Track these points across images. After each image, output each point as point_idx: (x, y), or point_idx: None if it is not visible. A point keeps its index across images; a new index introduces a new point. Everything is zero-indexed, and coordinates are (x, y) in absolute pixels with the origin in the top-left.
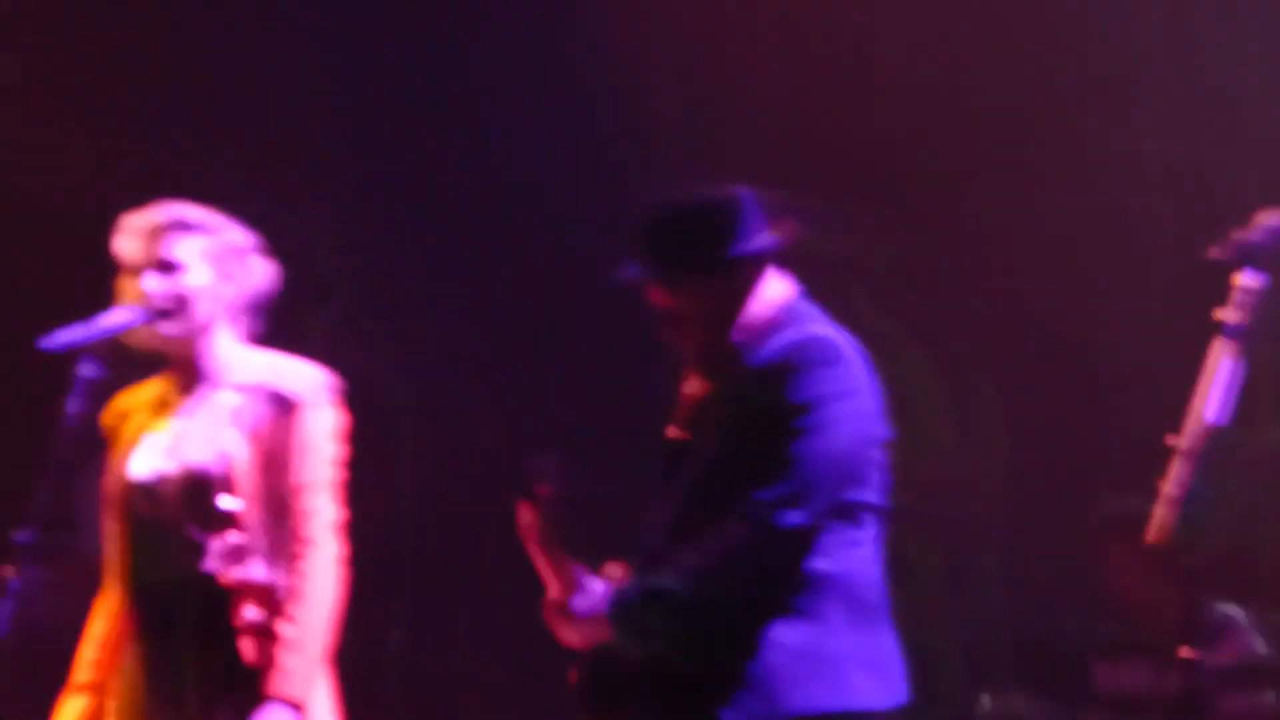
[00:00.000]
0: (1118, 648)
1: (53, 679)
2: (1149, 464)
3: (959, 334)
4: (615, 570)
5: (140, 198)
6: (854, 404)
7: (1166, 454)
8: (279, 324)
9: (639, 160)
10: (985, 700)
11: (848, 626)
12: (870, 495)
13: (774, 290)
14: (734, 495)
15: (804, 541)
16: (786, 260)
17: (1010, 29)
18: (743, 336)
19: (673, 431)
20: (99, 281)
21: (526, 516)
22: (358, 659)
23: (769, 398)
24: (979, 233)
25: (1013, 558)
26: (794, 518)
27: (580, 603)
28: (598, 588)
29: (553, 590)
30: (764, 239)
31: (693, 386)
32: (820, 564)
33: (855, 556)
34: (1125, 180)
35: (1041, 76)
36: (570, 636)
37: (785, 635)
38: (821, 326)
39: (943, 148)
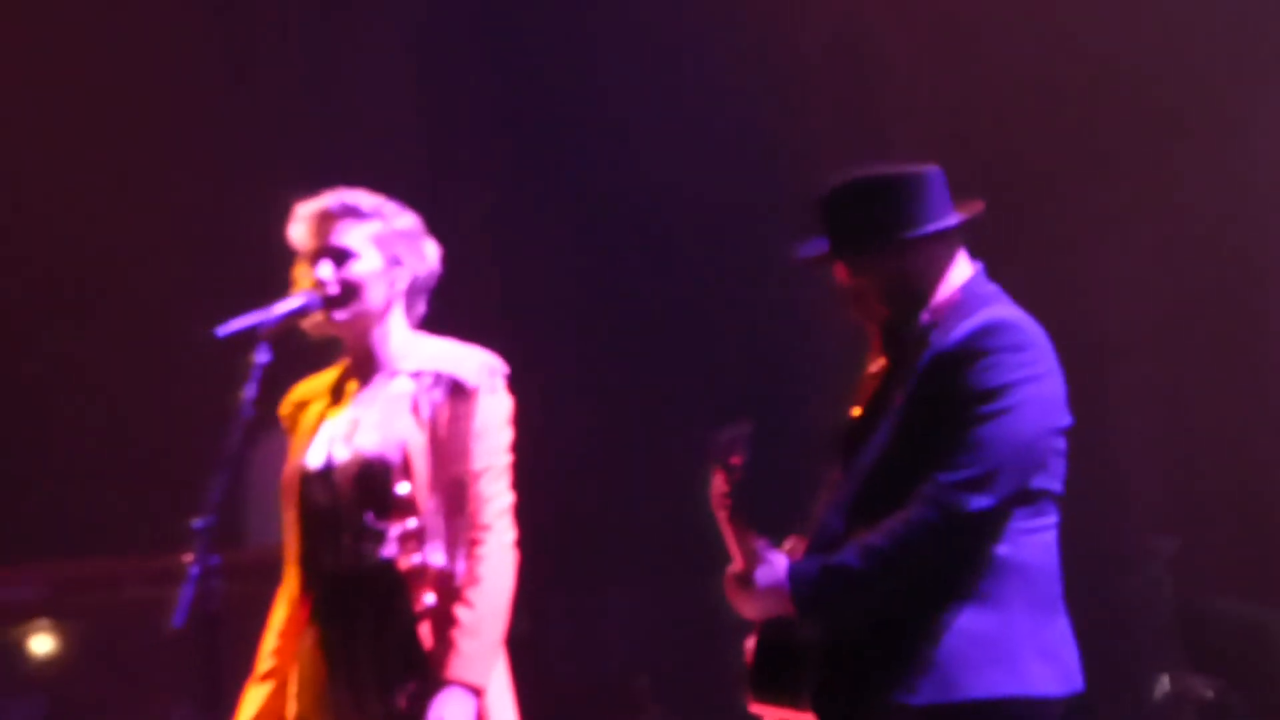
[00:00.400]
0: None
1: (233, 667)
2: None
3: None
4: (794, 546)
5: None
6: (1042, 389)
7: None
8: (441, 307)
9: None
10: (1164, 681)
11: (1027, 614)
12: (1053, 483)
13: (960, 270)
14: (919, 476)
15: (988, 526)
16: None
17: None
18: (929, 317)
19: (855, 410)
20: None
21: (720, 485)
22: (526, 643)
23: (959, 380)
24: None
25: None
26: (980, 501)
27: (763, 575)
28: (780, 561)
29: (735, 562)
30: (950, 217)
31: (875, 366)
32: (1002, 550)
33: (1036, 543)
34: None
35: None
36: (749, 610)
37: (965, 620)
38: (1008, 309)
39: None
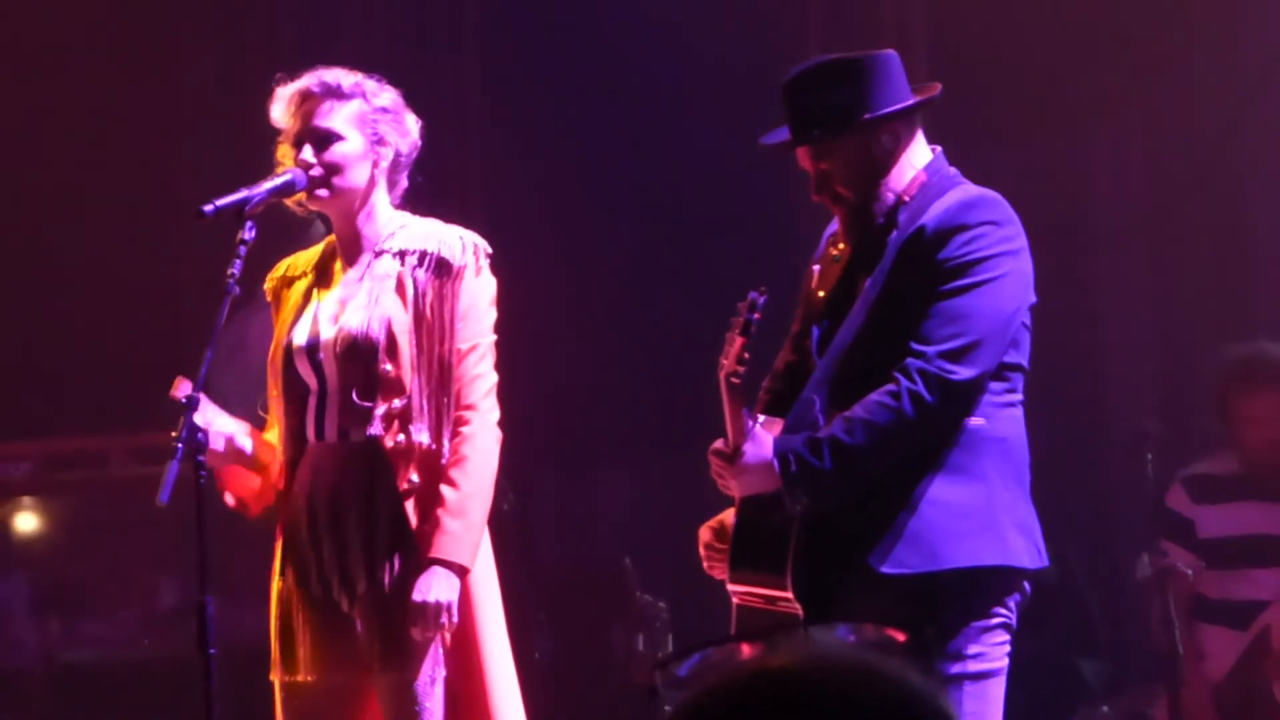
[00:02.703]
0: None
1: (220, 543)
2: None
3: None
4: (766, 423)
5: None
6: (1019, 263)
7: None
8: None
9: None
10: (1145, 560)
11: (1003, 487)
12: (1022, 358)
13: (920, 152)
14: (899, 350)
15: (971, 397)
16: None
17: None
18: (893, 198)
19: (817, 291)
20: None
21: (736, 350)
22: (511, 522)
23: (942, 253)
24: None
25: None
26: (965, 372)
27: (750, 451)
28: (766, 438)
29: (724, 438)
30: (908, 98)
31: (835, 249)
32: (977, 423)
33: (1009, 417)
34: None
35: None
36: (735, 486)
37: (945, 492)
38: (980, 187)
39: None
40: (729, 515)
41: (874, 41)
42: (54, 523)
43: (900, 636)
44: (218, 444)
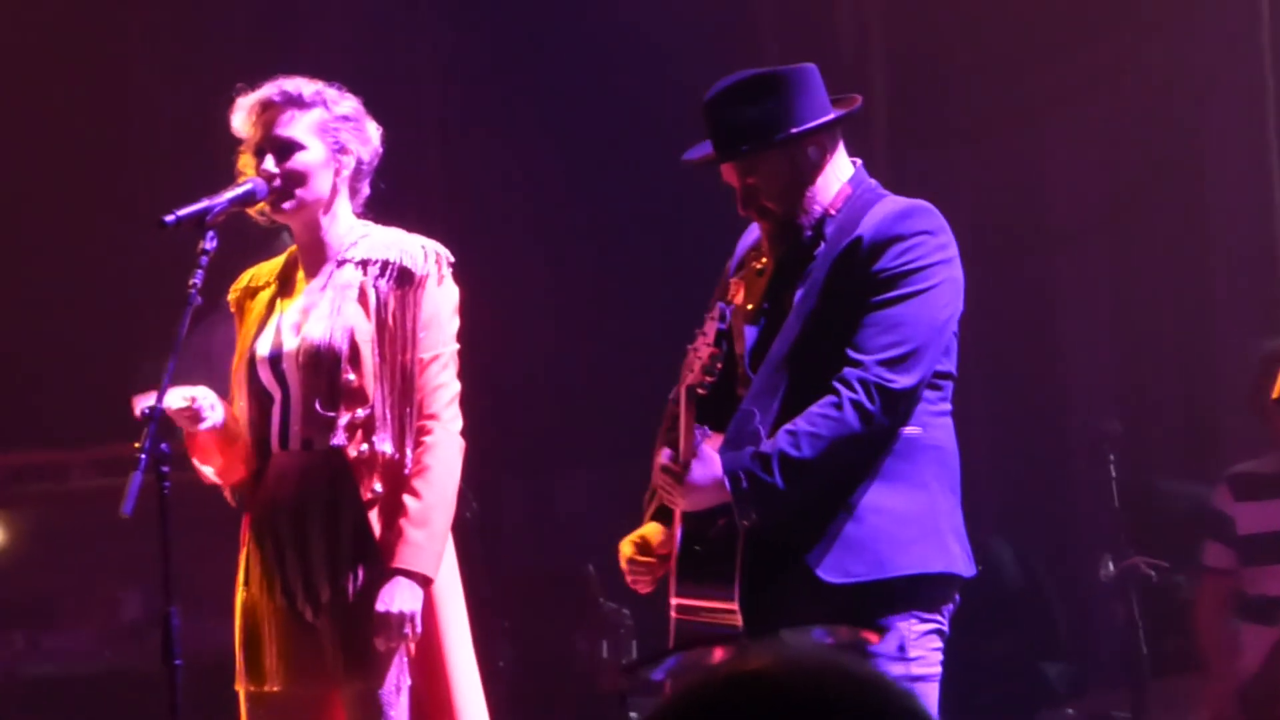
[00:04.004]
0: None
1: (183, 555)
2: None
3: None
4: (702, 437)
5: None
6: (953, 272)
7: None
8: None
9: None
10: (1108, 562)
11: (942, 495)
12: (951, 366)
13: (843, 166)
14: (839, 358)
15: (910, 405)
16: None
17: None
18: (820, 210)
19: (743, 304)
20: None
21: (704, 358)
22: (474, 530)
23: (880, 262)
24: None
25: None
26: (905, 380)
27: (698, 468)
28: (713, 455)
29: (672, 451)
30: (830, 112)
31: (759, 263)
32: (912, 431)
33: (942, 425)
34: None
35: None
36: (683, 502)
37: (888, 500)
38: (908, 199)
39: None
40: (650, 529)
41: (831, 43)
42: (16, 535)
43: (874, 638)
44: (176, 401)
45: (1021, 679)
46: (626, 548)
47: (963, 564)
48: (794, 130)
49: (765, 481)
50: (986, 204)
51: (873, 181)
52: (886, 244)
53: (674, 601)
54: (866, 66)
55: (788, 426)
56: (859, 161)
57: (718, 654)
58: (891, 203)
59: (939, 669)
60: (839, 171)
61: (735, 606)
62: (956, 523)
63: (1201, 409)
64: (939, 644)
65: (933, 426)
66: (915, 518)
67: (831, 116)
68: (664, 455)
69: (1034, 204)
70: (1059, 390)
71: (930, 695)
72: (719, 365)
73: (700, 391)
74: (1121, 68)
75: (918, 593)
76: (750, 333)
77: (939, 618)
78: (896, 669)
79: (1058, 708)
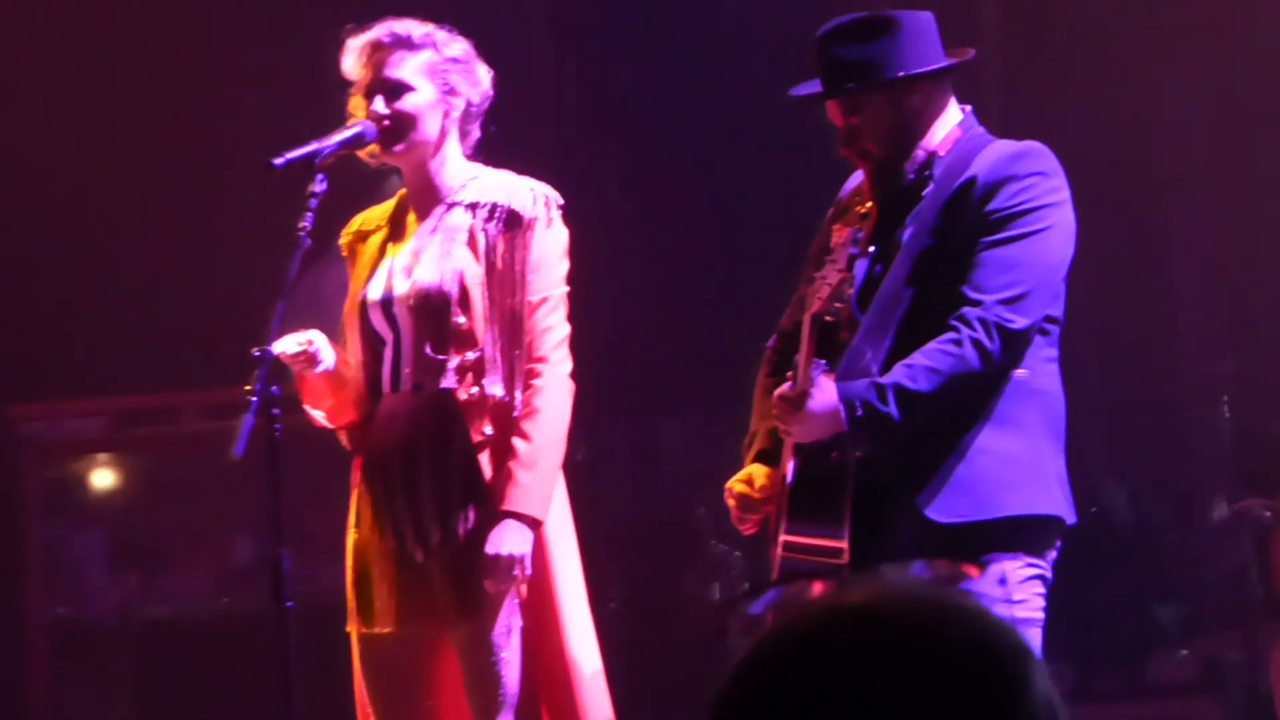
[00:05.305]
0: None
1: (294, 497)
2: None
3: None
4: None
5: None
6: (1066, 215)
7: None
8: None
9: None
10: (1221, 505)
11: (1047, 440)
12: (1060, 311)
13: (952, 113)
14: (952, 298)
15: (1024, 346)
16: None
17: None
18: (924, 155)
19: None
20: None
21: (835, 285)
22: (585, 473)
23: (996, 202)
24: None
25: None
26: (1020, 320)
27: (816, 396)
28: (830, 384)
29: (795, 378)
30: (940, 60)
31: (862, 207)
32: (1022, 374)
33: (1050, 373)
34: None
35: None
36: (799, 432)
37: (997, 441)
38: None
39: None
40: (756, 470)
41: None
42: (129, 479)
43: (975, 571)
44: (291, 346)
45: (1133, 621)
46: (736, 487)
47: (1066, 509)
48: (901, 74)
49: (880, 411)
50: (1097, 146)
51: (981, 129)
52: (1001, 184)
53: (782, 538)
54: (978, 7)
55: (905, 361)
56: (968, 108)
57: (817, 588)
58: (1005, 145)
59: (1042, 614)
60: (946, 118)
61: (844, 544)
62: (1060, 468)
63: None
64: (1042, 589)
65: (1040, 371)
66: (1022, 460)
67: (940, 65)
68: (784, 385)
69: (1145, 146)
70: (1171, 332)
71: (1033, 640)
72: (849, 291)
73: (827, 319)
74: (1234, 8)
75: (1022, 535)
76: (858, 274)
77: (1042, 562)
78: (1000, 609)
79: (1170, 649)
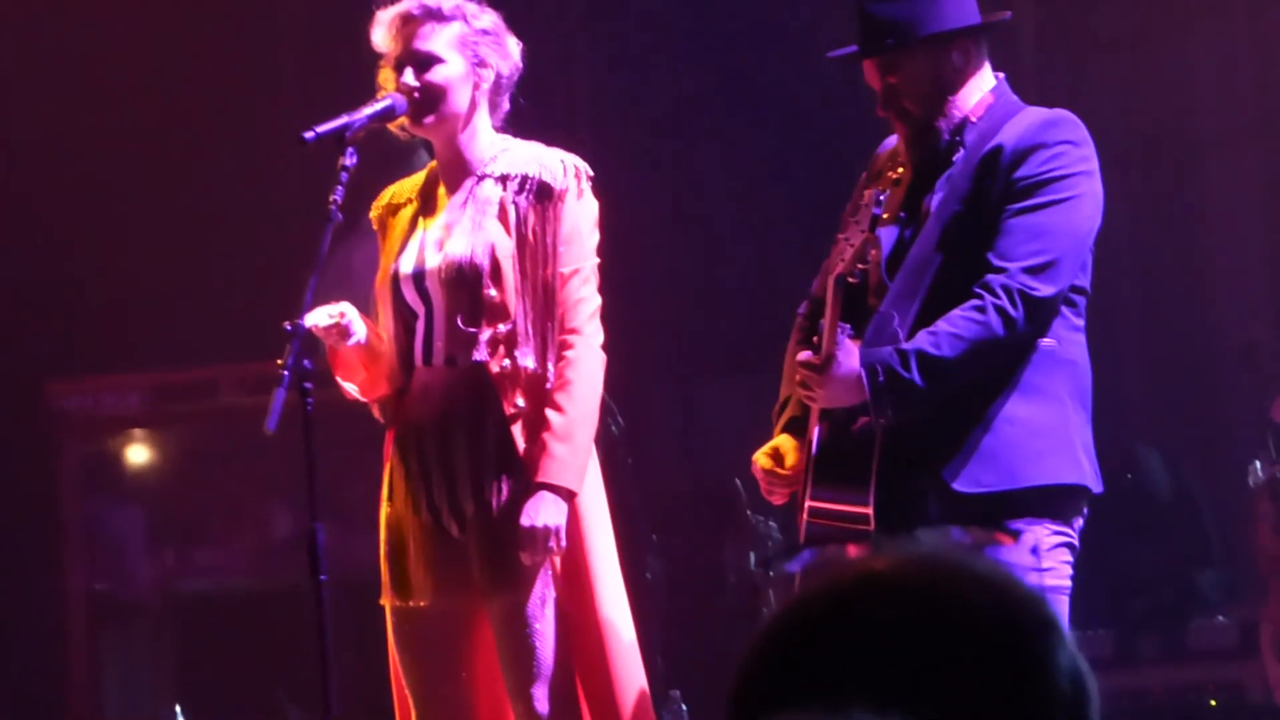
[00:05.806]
0: None
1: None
2: None
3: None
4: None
5: None
6: (1094, 185)
7: None
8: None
9: None
10: (1257, 467)
11: (1074, 409)
12: (1087, 282)
13: (986, 77)
14: (979, 264)
15: (1050, 315)
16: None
17: None
18: (960, 116)
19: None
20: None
21: (861, 248)
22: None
23: (1025, 169)
24: None
25: None
26: (1046, 288)
27: (840, 362)
28: (854, 350)
29: (821, 343)
30: (977, 18)
31: (895, 171)
32: (1049, 344)
33: (1077, 342)
34: None
35: None
36: (822, 397)
37: (1023, 410)
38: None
39: None
40: (783, 441)
41: None
42: (166, 454)
43: (1008, 540)
44: (323, 319)
45: (1172, 587)
46: (762, 459)
47: (1093, 479)
48: (938, 30)
49: (903, 377)
50: (1135, 111)
51: (1014, 96)
52: (1029, 151)
53: (807, 504)
54: None
55: (929, 328)
56: (1002, 75)
57: (851, 551)
58: (1035, 112)
59: (1069, 583)
60: (981, 82)
61: (869, 511)
62: (1087, 438)
63: None
64: (1069, 557)
65: (1067, 341)
66: (1048, 429)
67: (978, 21)
68: (806, 352)
69: (1183, 112)
70: (1208, 297)
71: (1060, 608)
72: (872, 252)
73: (851, 280)
74: None
75: (1049, 503)
76: (888, 239)
77: (1070, 530)
78: (1031, 578)
79: (1209, 615)
